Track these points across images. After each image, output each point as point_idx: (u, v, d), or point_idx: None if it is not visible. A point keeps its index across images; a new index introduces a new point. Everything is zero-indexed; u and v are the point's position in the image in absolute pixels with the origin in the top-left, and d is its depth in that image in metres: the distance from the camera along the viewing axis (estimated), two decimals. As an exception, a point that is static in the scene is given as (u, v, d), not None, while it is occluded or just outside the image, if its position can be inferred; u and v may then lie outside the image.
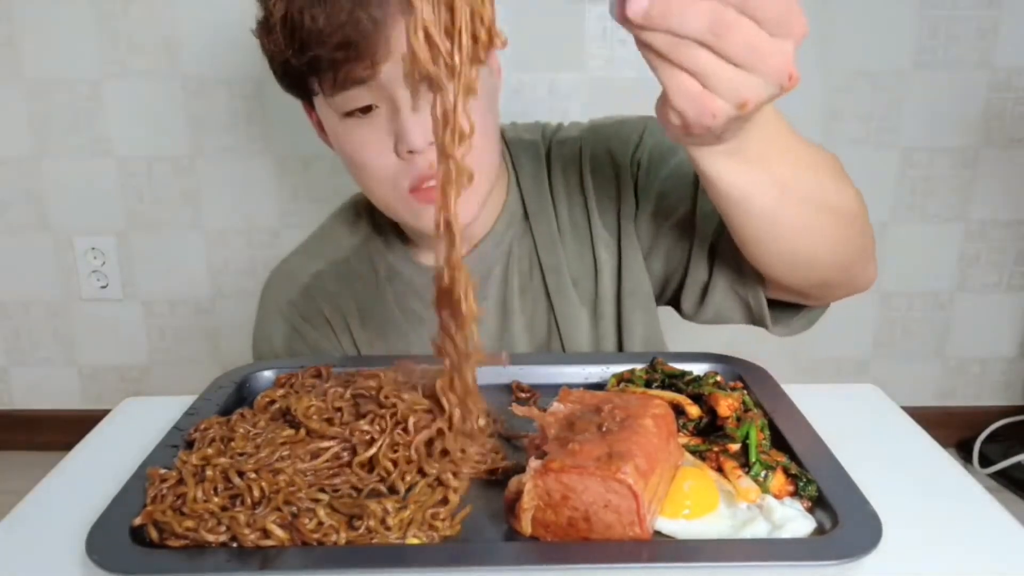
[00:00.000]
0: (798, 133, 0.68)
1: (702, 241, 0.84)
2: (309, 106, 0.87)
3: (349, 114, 0.80)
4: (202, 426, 0.61)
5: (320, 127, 0.88)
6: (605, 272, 0.92)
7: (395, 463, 0.56)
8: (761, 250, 0.72)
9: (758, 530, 0.51)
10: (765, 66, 0.51)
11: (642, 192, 0.89)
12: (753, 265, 0.76)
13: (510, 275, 0.93)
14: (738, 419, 0.60)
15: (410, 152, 0.78)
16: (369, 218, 0.98)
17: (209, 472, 0.53)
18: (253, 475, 0.52)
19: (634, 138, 0.91)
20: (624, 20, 0.49)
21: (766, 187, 0.65)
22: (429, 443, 0.59)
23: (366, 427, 0.58)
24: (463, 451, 0.59)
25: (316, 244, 1.01)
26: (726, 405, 0.61)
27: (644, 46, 0.51)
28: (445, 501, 0.54)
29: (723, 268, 0.83)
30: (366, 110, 0.79)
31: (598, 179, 0.92)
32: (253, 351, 0.97)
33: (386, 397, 0.61)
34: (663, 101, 0.53)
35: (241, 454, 0.56)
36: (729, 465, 0.56)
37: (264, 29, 0.79)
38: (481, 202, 0.85)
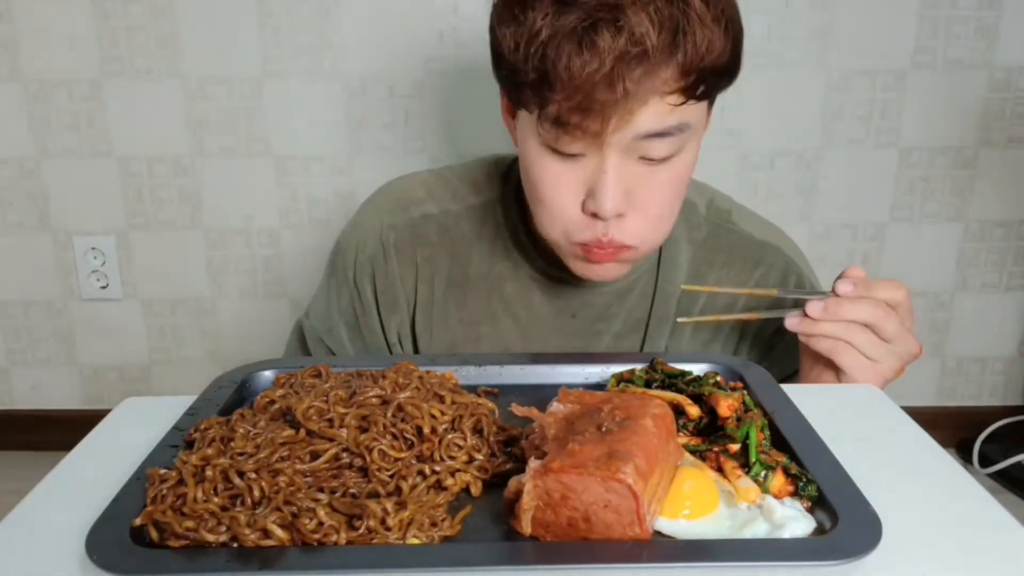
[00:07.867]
0: None
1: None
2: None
3: (553, 148, 0.74)
4: (202, 426, 0.60)
5: (511, 114, 0.81)
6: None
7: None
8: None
9: (758, 530, 0.51)
10: (905, 342, 0.75)
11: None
12: None
13: (617, 313, 0.91)
14: (738, 419, 0.60)
15: (594, 215, 0.75)
16: (503, 184, 0.91)
17: (209, 472, 0.53)
18: (253, 475, 0.52)
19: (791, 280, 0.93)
20: (799, 325, 0.77)
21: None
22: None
23: (391, 452, 0.57)
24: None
25: (439, 184, 0.94)
26: (726, 405, 0.61)
27: (818, 340, 0.76)
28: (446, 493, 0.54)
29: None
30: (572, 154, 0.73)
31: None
32: (336, 253, 0.93)
33: (399, 408, 0.59)
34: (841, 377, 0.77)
35: (241, 454, 0.56)
36: (729, 465, 0.56)
37: (510, 30, 0.70)
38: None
